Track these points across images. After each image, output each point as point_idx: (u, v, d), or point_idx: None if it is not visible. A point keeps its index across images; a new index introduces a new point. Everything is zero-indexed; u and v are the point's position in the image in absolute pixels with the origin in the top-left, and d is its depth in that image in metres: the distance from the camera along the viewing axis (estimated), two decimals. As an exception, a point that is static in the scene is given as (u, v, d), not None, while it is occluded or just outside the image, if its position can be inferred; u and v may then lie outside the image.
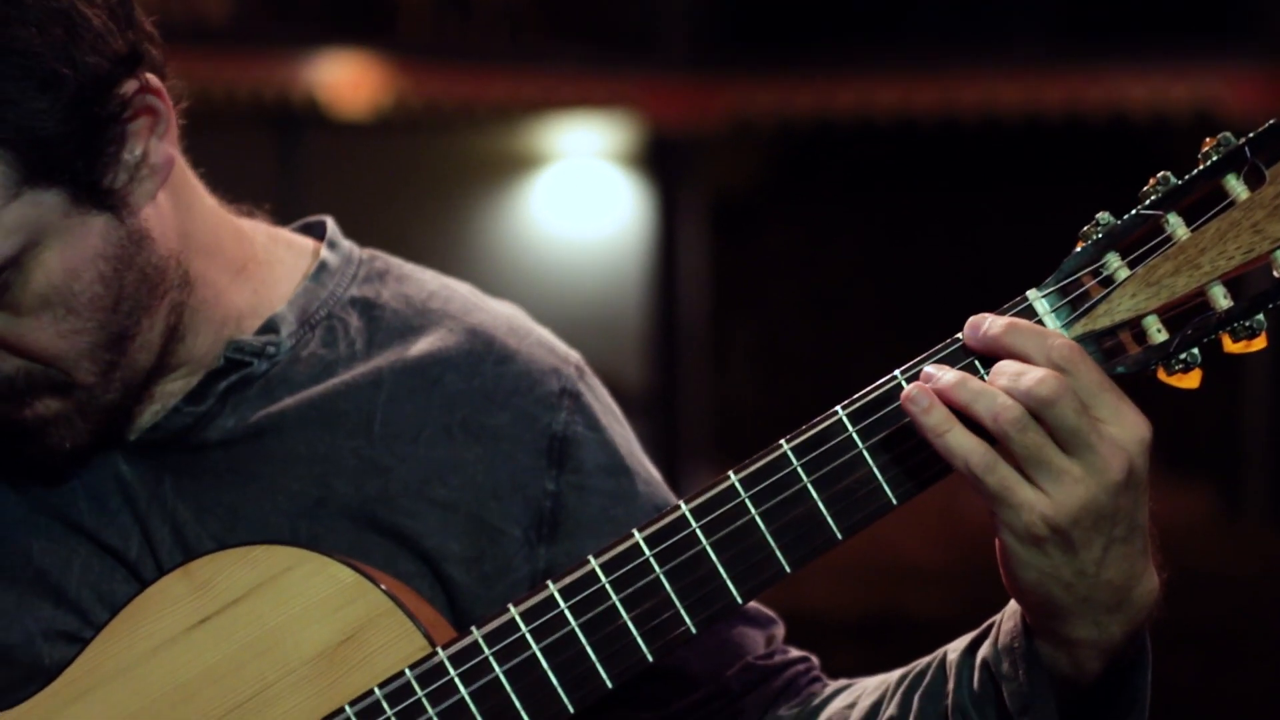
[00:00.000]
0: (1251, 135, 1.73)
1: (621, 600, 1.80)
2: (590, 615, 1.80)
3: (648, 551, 1.79)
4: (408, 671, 1.82)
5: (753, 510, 1.78)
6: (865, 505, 1.77)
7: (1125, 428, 1.73)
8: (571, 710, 1.81)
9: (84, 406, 1.91)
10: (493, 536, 1.98)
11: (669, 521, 1.79)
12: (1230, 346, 1.75)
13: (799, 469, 1.78)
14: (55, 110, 1.83)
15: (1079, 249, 1.77)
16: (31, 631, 1.94)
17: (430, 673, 1.82)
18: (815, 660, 2.08)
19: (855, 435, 1.77)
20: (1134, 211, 1.75)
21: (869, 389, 1.78)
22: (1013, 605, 1.81)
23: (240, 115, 13.16)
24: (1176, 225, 1.74)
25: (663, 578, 1.79)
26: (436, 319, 2.05)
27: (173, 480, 1.97)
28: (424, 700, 1.82)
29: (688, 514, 1.79)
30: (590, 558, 1.80)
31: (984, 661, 1.82)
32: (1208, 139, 1.75)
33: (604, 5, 15.04)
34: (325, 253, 2.07)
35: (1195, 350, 1.74)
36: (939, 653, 1.89)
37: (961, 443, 1.72)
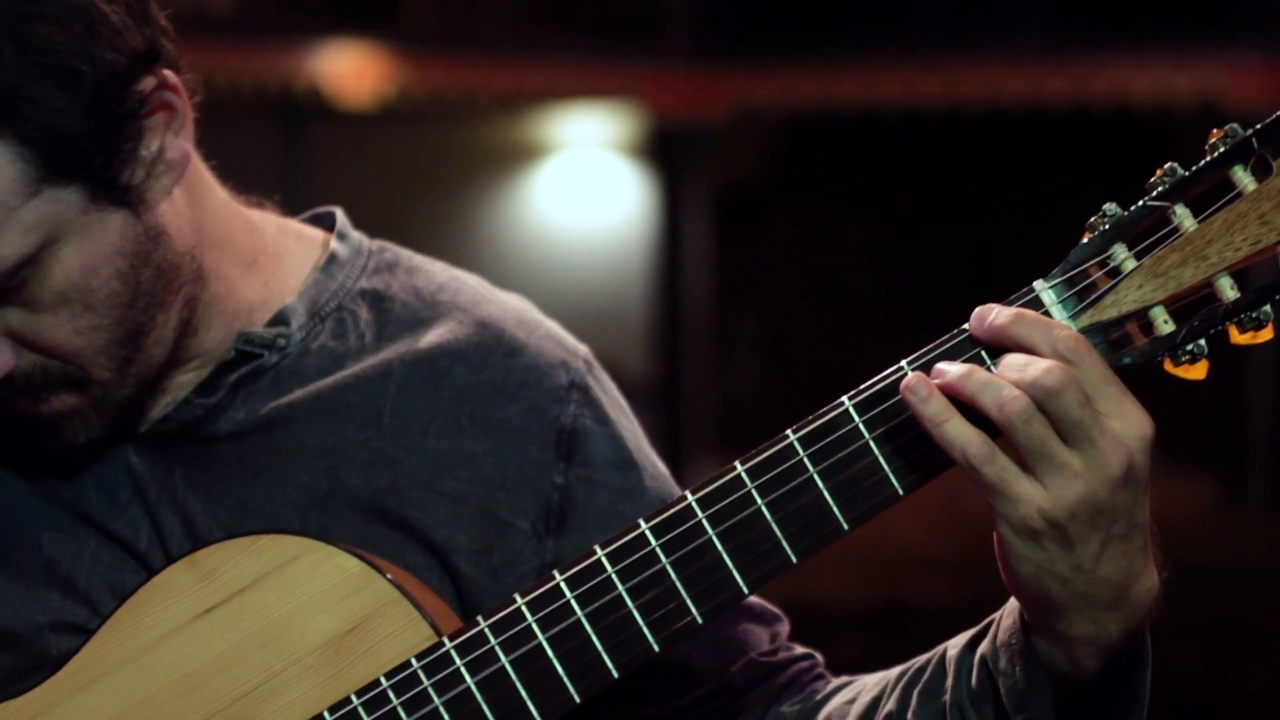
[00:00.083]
0: (1259, 126, 1.73)
1: (627, 589, 1.79)
2: (596, 604, 1.80)
3: (654, 541, 1.79)
4: (414, 661, 1.82)
5: (759, 500, 1.78)
6: (871, 495, 1.77)
7: (1127, 423, 1.72)
8: (577, 700, 1.81)
9: (99, 402, 1.91)
10: (501, 529, 1.98)
11: (675, 511, 1.79)
12: (1237, 338, 1.75)
13: (805, 459, 1.77)
14: (74, 108, 1.83)
15: (1086, 240, 1.76)
16: (40, 622, 1.94)
17: (436, 662, 1.82)
18: (819, 657, 2.08)
19: (862, 425, 1.77)
20: (1141, 203, 1.75)
21: (875, 379, 1.77)
22: (1012, 602, 1.80)
23: (244, 106, 13.16)
24: (1184, 216, 1.74)
25: (669, 567, 1.79)
26: (446, 311, 2.05)
27: (183, 472, 1.97)
28: (430, 690, 1.82)
29: (694, 504, 1.79)
30: (596, 547, 1.80)
31: (982, 658, 1.81)
32: (1215, 130, 1.75)
33: (608, -5, 15.05)
34: (335, 244, 2.07)
35: (1202, 341, 1.74)
36: (939, 649, 1.88)
37: (960, 433, 1.72)
